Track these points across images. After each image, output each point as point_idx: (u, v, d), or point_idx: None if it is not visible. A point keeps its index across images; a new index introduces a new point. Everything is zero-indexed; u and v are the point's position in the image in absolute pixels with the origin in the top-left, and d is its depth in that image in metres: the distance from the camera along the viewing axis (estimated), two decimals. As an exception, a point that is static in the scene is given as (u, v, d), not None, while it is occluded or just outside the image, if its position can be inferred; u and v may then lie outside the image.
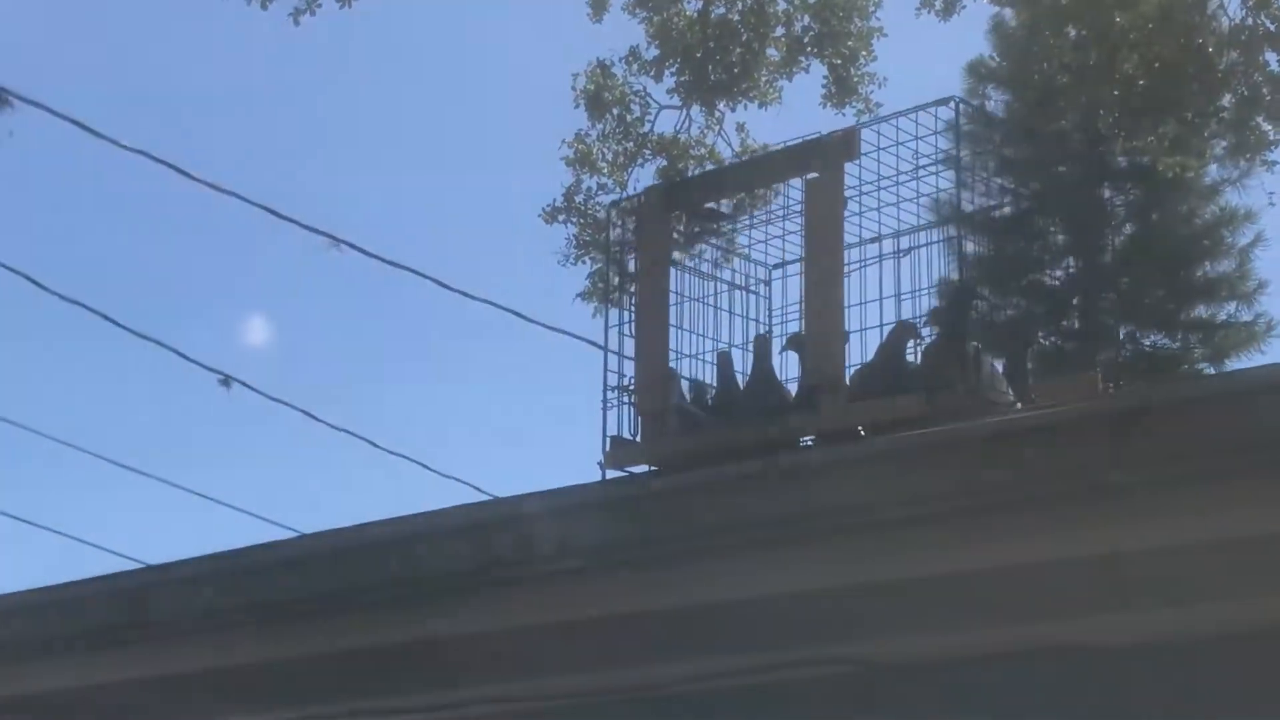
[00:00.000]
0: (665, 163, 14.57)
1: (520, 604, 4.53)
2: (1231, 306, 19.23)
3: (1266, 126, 13.32)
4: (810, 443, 4.54)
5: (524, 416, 27.80)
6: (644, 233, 4.83)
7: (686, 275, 4.98)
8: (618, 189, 14.80)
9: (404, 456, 10.96)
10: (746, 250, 5.17)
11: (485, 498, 9.42)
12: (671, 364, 4.85)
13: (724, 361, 4.90)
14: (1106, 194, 19.55)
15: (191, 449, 23.01)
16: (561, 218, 14.92)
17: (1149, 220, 19.43)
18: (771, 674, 4.44)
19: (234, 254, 25.70)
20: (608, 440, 4.83)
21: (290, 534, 8.87)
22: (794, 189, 4.98)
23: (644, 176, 15.29)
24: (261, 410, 11.25)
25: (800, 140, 4.67)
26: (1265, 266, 19.11)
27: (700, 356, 4.94)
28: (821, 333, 4.42)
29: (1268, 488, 3.60)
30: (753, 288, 5.13)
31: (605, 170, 14.83)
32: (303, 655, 4.98)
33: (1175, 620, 4.03)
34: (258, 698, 5.31)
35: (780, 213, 5.07)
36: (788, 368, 4.78)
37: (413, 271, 9.66)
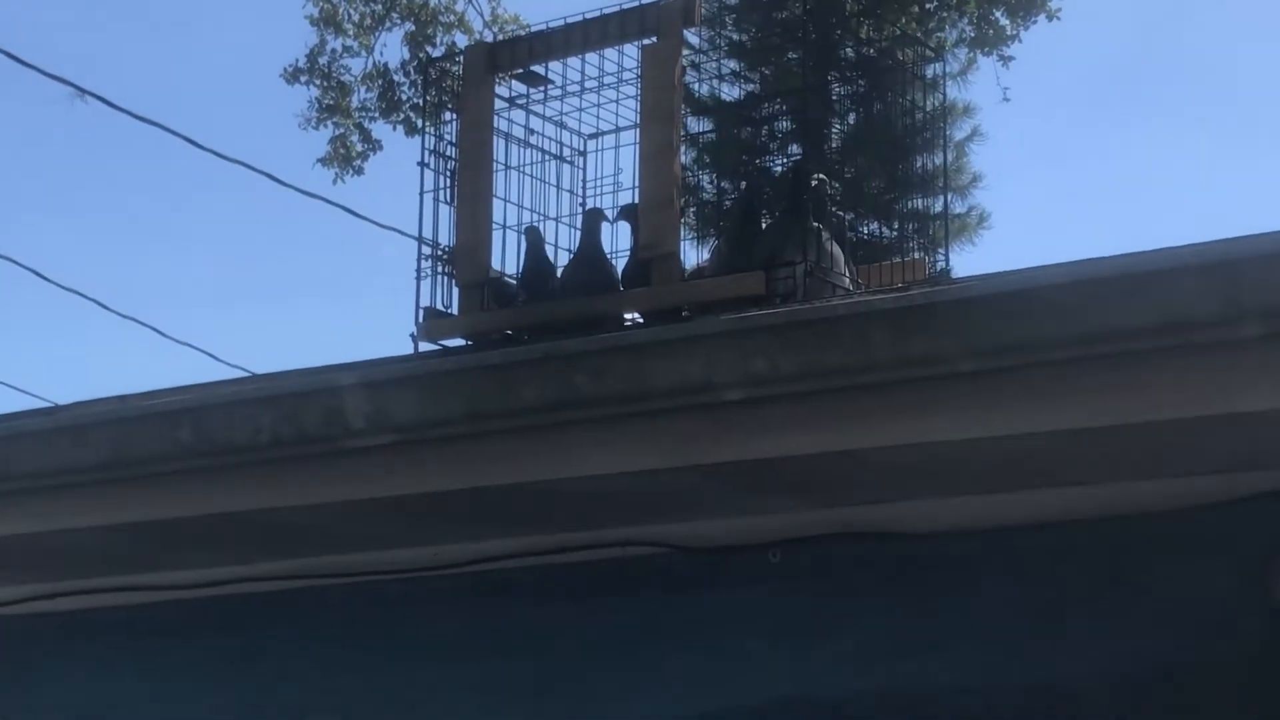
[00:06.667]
0: (413, 27, 14.19)
1: (328, 479, 4.33)
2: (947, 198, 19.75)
3: (1004, 21, 13.55)
4: (637, 320, 4.40)
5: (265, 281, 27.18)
6: (466, 94, 4.60)
7: (502, 142, 4.79)
8: (363, 52, 14.41)
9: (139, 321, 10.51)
10: (560, 118, 5.00)
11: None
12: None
13: (534, 236, 4.72)
14: (833, 83, 19.76)
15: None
16: (304, 79, 14.48)
17: (871, 111, 19.70)
18: (590, 553, 4.34)
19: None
20: (421, 311, 4.64)
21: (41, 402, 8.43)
22: (607, 55, 4.83)
23: (391, 41, 14.88)
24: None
25: (636, 4, 4.49)
26: (979, 160, 19.68)
27: (518, 228, 4.77)
28: (656, 205, 4.26)
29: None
30: (569, 158, 4.97)
31: (351, 32, 14.39)
32: (80, 526, 4.71)
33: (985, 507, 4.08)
34: (30, 569, 5.04)
35: (595, 80, 4.90)
36: (616, 240, 4.65)
37: (162, 127, 9.19)
